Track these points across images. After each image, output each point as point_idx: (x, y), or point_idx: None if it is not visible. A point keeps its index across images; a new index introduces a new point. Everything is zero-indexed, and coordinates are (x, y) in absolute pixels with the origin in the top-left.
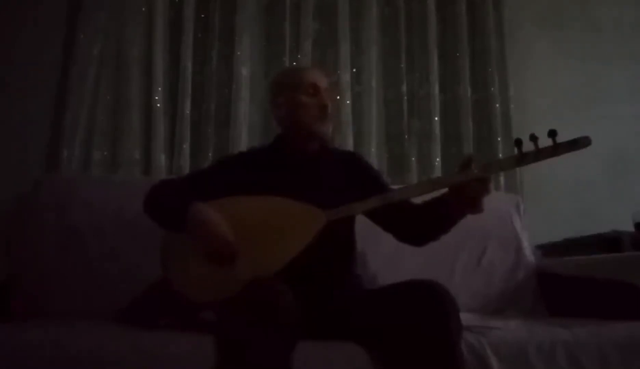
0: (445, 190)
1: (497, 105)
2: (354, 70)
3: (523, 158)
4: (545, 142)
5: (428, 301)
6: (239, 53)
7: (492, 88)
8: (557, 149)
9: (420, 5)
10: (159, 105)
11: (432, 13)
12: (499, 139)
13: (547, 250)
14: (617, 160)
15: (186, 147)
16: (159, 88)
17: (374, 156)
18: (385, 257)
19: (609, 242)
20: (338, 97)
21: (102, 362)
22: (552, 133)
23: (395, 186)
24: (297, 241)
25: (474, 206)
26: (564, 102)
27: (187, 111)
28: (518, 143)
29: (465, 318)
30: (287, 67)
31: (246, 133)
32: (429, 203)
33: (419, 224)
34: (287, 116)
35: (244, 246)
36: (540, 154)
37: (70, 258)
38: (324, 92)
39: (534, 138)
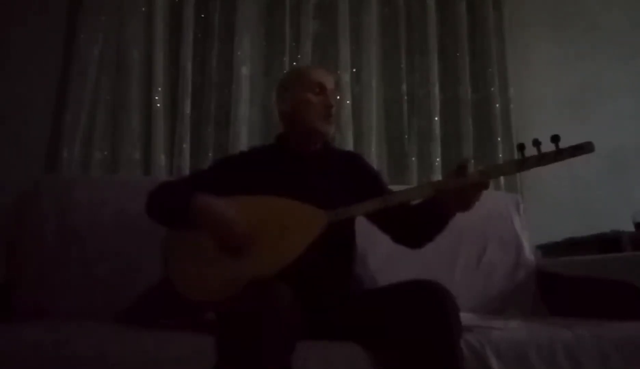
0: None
1: (497, 105)
2: (354, 70)
3: (525, 163)
4: (547, 146)
5: (428, 301)
6: (239, 53)
7: (492, 88)
8: (560, 155)
9: (420, 5)
10: (159, 105)
11: (432, 13)
12: (499, 139)
13: (547, 250)
14: (617, 159)
15: (186, 147)
16: (159, 88)
17: (374, 156)
18: (385, 257)
19: (609, 242)
20: (338, 97)
21: (102, 362)
22: (555, 139)
23: (395, 187)
24: (298, 242)
25: (467, 207)
26: (564, 102)
27: (187, 111)
28: (521, 147)
29: (465, 318)
30: (296, 65)
31: (246, 133)
32: (422, 204)
33: (414, 225)
34: (292, 112)
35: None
36: (542, 159)
37: (70, 258)
38: (330, 93)
39: (537, 143)
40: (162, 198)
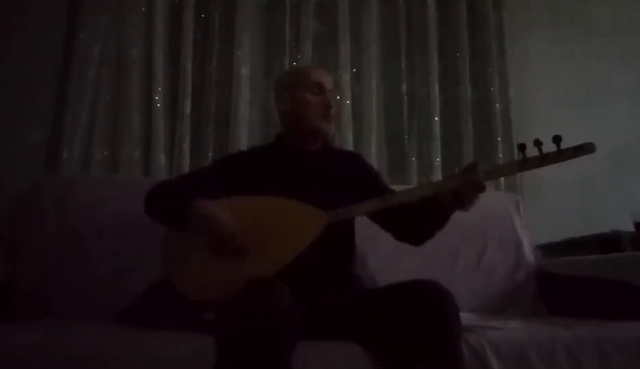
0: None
1: (497, 105)
2: (354, 70)
3: (526, 163)
4: (549, 146)
5: (428, 301)
6: (239, 53)
7: (492, 88)
8: (562, 155)
9: (420, 5)
10: (159, 105)
11: (432, 13)
12: (499, 139)
13: (547, 250)
14: (616, 159)
15: (186, 147)
16: (159, 88)
17: (374, 156)
18: (385, 257)
19: (609, 242)
20: (338, 97)
21: (102, 362)
22: (557, 139)
23: (395, 187)
24: (297, 242)
25: (465, 208)
26: (564, 102)
27: (187, 111)
28: (522, 148)
29: (465, 318)
30: (295, 65)
31: (246, 133)
32: (421, 202)
33: (415, 223)
34: (291, 112)
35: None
36: (544, 160)
37: (70, 258)
38: (329, 93)
39: (538, 143)
40: (161, 199)
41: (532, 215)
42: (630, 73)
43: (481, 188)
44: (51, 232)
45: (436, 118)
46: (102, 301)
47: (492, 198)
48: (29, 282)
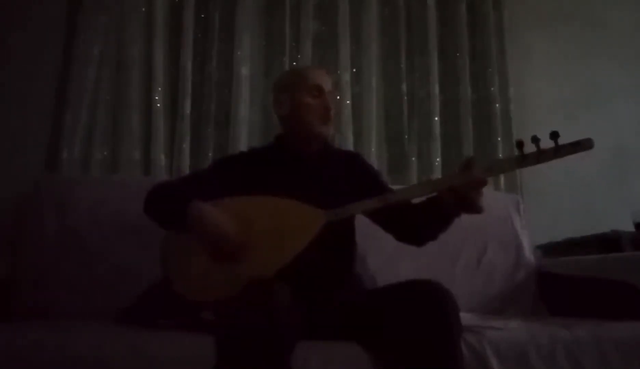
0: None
1: (497, 105)
2: (354, 70)
3: (524, 160)
4: (547, 143)
5: (428, 301)
6: (239, 53)
7: (492, 88)
8: (559, 151)
9: (420, 5)
10: (159, 105)
11: (432, 13)
12: (499, 139)
13: (547, 250)
14: (617, 159)
15: (186, 147)
16: (159, 88)
17: (374, 156)
18: (385, 257)
19: (609, 242)
20: (338, 97)
21: (102, 362)
22: (554, 135)
23: (395, 187)
24: (296, 242)
25: (471, 207)
26: (564, 102)
27: (187, 111)
28: (519, 144)
29: (465, 318)
30: (293, 67)
31: (246, 133)
32: (426, 203)
33: (417, 224)
34: (290, 115)
35: (244, 247)
36: (542, 156)
37: (70, 258)
38: (328, 95)
39: (536, 139)
40: (161, 199)
41: (532, 215)
42: (630, 73)
43: (481, 183)
44: (51, 232)
45: (436, 118)
46: (102, 301)
47: (492, 199)
48: (29, 282)
